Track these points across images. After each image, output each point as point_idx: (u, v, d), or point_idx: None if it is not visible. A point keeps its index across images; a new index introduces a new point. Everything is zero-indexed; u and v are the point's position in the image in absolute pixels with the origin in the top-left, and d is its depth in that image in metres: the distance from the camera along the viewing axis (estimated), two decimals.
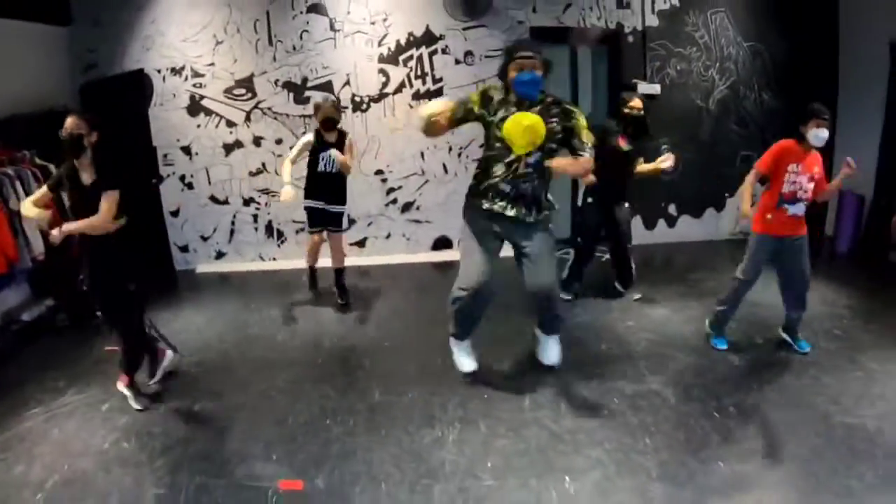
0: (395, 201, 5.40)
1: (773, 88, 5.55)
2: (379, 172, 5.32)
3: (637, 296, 4.24)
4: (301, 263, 4.41)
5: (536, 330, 3.18)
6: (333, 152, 3.94)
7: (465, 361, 3.09)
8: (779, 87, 5.54)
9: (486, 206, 2.77)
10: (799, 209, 3.06)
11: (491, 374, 3.13)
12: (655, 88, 5.18)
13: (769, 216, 3.09)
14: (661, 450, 2.42)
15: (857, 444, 2.42)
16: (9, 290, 4.09)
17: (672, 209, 5.70)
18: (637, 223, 5.65)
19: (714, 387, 2.95)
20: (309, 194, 4.13)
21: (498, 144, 2.68)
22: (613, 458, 2.38)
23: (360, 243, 5.46)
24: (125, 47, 5.06)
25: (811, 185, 3.04)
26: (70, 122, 2.61)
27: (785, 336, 3.39)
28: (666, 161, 3.88)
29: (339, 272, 4.30)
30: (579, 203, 4.25)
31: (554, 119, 2.67)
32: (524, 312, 4.00)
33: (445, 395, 2.92)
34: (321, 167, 4.03)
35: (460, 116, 2.72)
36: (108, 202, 2.65)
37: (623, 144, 3.85)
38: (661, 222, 5.72)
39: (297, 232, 5.34)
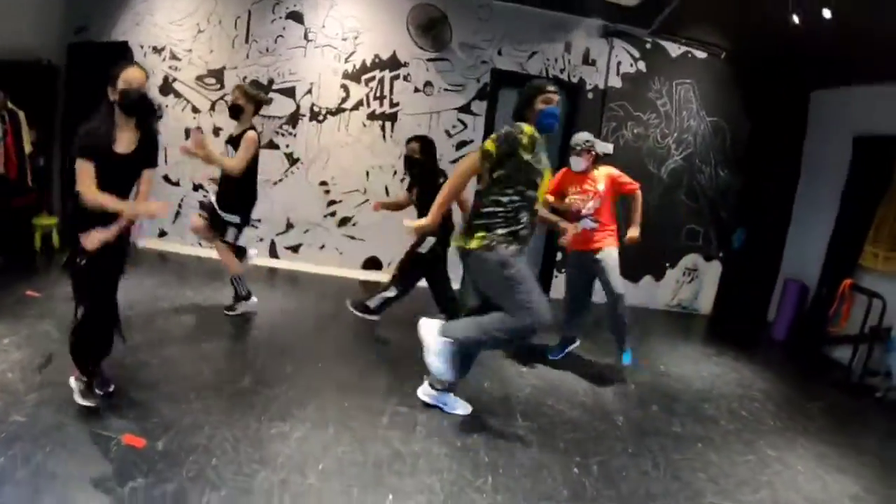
0: (333, 214, 5.45)
1: (730, 166, 5.54)
2: (323, 183, 5.40)
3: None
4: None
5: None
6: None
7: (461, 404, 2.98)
8: (737, 165, 5.52)
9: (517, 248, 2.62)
10: (586, 224, 3.58)
11: (364, 386, 3.13)
12: (608, 148, 5.19)
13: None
14: (501, 491, 2.32)
15: None
16: None
17: None
18: None
19: (585, 442, 2.83)
20: None
21: (529, 192, 2.54)
22: (446, 488, 2.30)
23: (295, 248, 5.51)
24: (116, 18, 5.25)
25: (592, 204, 3.55)
26: (134, 73, 2.29)
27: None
28: None
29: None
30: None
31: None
32: (409, 329, 3.94)
33: (310, 397, 2.92)
34: None
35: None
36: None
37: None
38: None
39: None
